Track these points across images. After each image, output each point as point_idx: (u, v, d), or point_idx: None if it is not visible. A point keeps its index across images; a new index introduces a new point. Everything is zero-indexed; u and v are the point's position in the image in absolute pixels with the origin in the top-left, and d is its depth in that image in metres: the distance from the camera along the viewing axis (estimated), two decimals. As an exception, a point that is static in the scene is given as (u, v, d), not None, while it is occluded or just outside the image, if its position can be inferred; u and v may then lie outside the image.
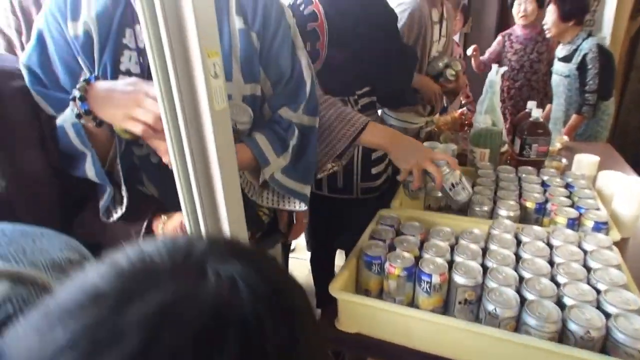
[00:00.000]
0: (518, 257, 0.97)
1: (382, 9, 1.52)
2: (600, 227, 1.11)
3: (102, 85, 0.77)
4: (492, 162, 1.57)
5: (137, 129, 0.74)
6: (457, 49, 2.64)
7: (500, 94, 2.60)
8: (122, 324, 0.24)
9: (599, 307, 0.81)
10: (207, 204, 0.66)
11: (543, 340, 0.76)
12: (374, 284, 0.98)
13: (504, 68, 1.82)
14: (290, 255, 2.17)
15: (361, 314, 0.92)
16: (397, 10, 1.64)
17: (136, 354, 0.23)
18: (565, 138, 2.05)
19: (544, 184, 1.35)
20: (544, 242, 1.01)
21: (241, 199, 0.71)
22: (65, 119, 0.80)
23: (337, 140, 1.13)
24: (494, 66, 1.68)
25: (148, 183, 0.93)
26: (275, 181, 0.97)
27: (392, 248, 1.01)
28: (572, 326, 0.76)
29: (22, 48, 1.13)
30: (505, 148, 1.75)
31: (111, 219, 0.86)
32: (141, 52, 0.84)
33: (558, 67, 2.66)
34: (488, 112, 1.64)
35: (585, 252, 0.98)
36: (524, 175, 1.40)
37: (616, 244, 1.04)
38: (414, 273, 0.92)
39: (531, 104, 1.60)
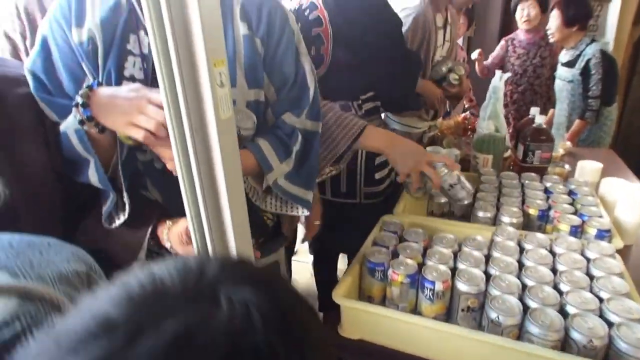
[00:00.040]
0: (521, 265, 0.97)
1: (389, 17, 1.52)
2: (603, 234, 1.11)
3: (104, 91, 0.77)
4: (495, 168, 1.57)
5: (139, 135, 0.74)
6: (461, 53, 2.64)
7: (503, 98, 2.60)
8: (134, 356, 0.24)
9: (601, 315, 0.81)
10: (212, 209, 0.66)
11: (546, 348, 0.76)
12: (377, 290, 0.98)
13: (508, 74, 1.81)
14: (293, 258, 2.17)
15: (364, 320, 0.92)
16: (401, 15, 1.63)
17: None
18: (568, 144, 2.05)
19: (547, 191, 1.35)
20: (546, 250, 1.01)
21: (245, 204, 0.71)
22: (68, 125, 0.80)
23: (335, 144, 1.13)
24: (498, 72, 1.68)
25: (152, 188, 0.94)
26: (278, 187, 0.97)
27: (395, 255, 1.01)
28: (575, 335, 0.76)
29: (27, 52, 1.13)
30: (508, 154, 1.75)
31: (113, 225, 0.86)
32: (145, 58, 0.84)
33: (561, 72, 2.66)
34: (491, 118, 1.64)
35: (588, 259, 0.98)
36: (527, 181, 1.41)
37: (619, 251, 1.04)
38: (417, 280, 0.93)
39: (534, 110, 1.60)
